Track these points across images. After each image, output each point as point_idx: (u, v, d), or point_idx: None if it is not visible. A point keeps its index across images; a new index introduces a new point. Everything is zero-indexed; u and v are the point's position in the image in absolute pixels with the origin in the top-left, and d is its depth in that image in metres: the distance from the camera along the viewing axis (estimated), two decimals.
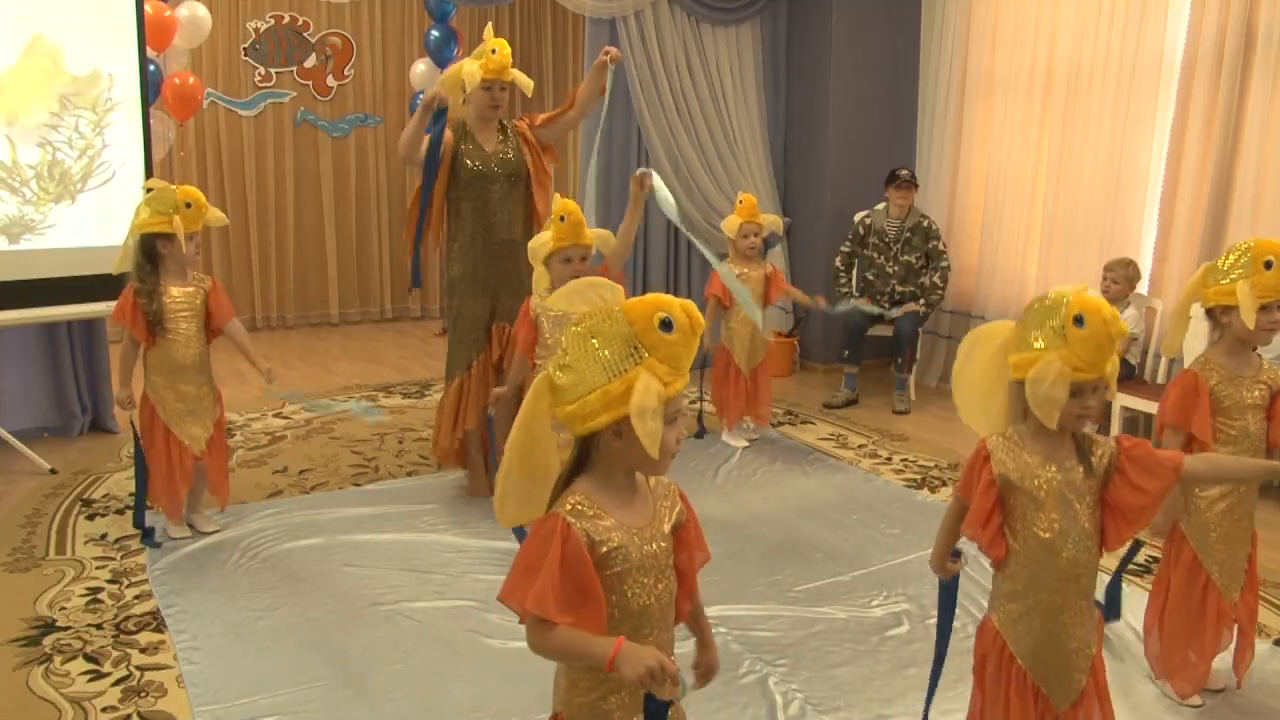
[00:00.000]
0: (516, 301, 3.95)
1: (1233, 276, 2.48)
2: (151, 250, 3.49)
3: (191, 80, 6.47)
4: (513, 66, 3.89)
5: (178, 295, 3.54)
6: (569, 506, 1.51)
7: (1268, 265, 2.43)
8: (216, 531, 3.74)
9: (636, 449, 1.44)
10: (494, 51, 3.80)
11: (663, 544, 1.58)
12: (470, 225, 3.97)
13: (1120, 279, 4.86)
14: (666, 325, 1.45)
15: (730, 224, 4.85)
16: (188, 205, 3.46)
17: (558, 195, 3.55)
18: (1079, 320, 1.81)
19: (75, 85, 4.50)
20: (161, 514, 3.73)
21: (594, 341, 1.47)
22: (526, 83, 3.93)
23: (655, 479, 1.63)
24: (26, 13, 4.35)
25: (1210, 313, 2.60)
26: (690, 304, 1.51)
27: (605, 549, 1.51)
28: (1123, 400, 4.79)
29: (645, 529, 1.56)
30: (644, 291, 4.36)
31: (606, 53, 3.95)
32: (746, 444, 4.93)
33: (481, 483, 4.16)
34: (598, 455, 1.53)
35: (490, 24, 4.09)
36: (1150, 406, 4.74)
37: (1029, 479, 1.93)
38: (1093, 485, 1.94)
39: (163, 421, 3.56)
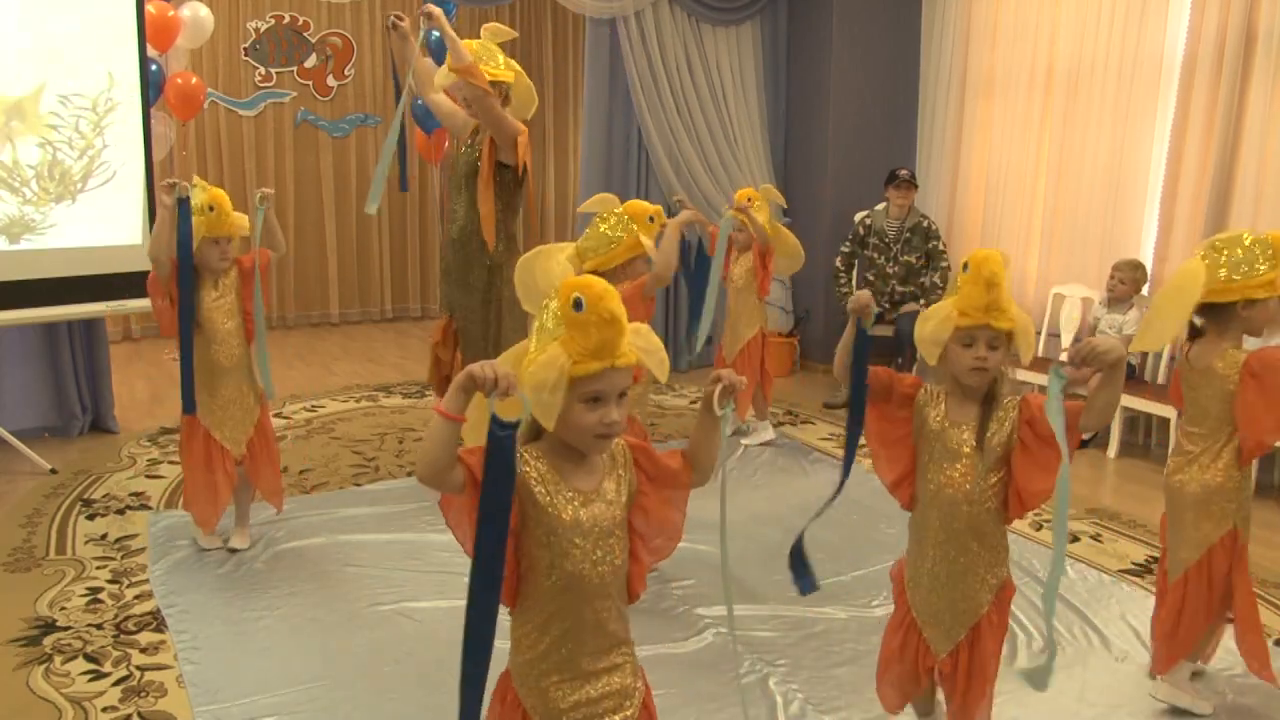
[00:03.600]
0: (459, 296, 4.04)
1: (1259, 269, 2.44)
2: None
3: (194, 80, 6.48)
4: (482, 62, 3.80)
5: (214, 295, 3.43)
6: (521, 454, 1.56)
7: None
8: (247, 549, 3.59)
9: (560, 421, 1.51)
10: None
11: (614, 512, 1.61)
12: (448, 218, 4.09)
13: (1128, 280, 4.86)
14: (577, 305, 1.50)
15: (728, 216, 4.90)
16: (210, 209, 3.30)
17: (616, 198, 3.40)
18: (966, 266, 2.01)
19: (76, 85, 4.50)
20: (193, 520, 3.59)
21: (545, 311, 1.56)
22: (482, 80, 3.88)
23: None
24: (29, 13, 4.36)
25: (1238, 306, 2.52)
26: (610, 292, 1.52)
27: (540, 503, 1.55)
28: (1123, 400, 4.79)
29: (589, 494, 1.59)
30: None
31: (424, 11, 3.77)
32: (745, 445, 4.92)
33: None
34: None
35: (493, 24, 4.05)
36: (1150, 406, 4.74)
37: (940, 432, 2.10)
38: (997, 448, 2.05)
39: (203, 425, 3.45)
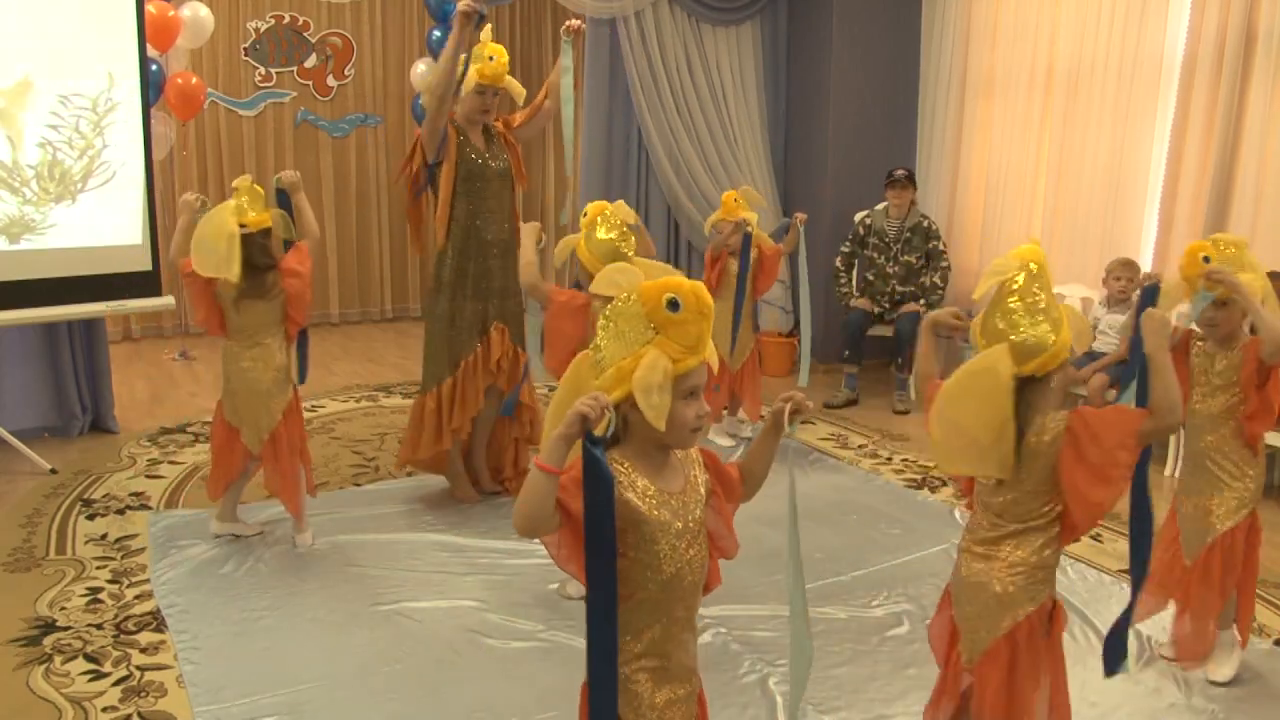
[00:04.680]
0: (508, 302, 3.97)
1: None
2: (264, 248, 3.44)
3: (194, 80, 6.48)
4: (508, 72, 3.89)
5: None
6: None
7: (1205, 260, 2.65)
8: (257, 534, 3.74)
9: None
10: (491, 58, 3.79)
11: (696, 512, 1.66)
12: (465, 225, 3.93)
13: (1135, 277, 4.86)
14: (673, 305, 1.54)
15: (709, 222, 4.92)
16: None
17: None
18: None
19: (76, 85, 4.50)
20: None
21: (615, 322, 1.58)
22: (519, 90, 3.93)
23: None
24: (28, 13, 4.36)
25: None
26: (700, 285, 1.58)
27: (637, 508, 1.58)
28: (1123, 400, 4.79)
29: (678, 495, 1.63)
30: None
31: (568, 27, 3.88)
32: (732, 442, 4.91)
33: (466, 488, 4.13)
34: (631, 428, 1.60)
35: (489, 26, 4.07)
36: None
37: None
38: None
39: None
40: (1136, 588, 2.09)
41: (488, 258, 3.97)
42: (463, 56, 3.70)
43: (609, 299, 1.63)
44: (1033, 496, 1.97)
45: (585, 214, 3.29)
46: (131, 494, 4.18)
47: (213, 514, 3.73)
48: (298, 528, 3.66)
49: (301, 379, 3.70)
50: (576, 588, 3.32)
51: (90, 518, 3.93)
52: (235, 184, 3.46)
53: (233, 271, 3.30)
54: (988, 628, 2.01)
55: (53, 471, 4.42)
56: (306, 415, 5.37)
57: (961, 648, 2.06)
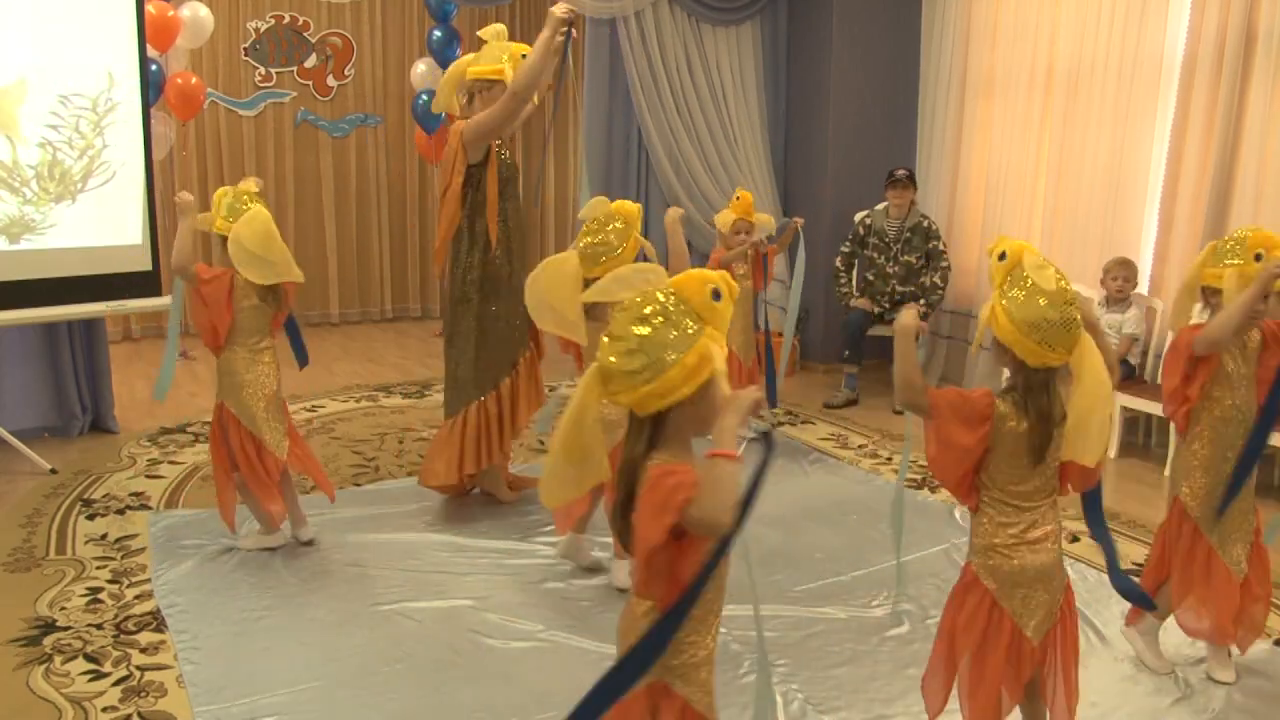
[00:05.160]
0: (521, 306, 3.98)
1: (1228, 262, 2.57)
2: None
3: (194, 80, 6.48)
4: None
5: None
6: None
7: (1258, 258, 2.50)
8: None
9: (710, 411, 1.58)
10: (524, 56, 3.74)
11: None
12: (509, 225, 3.89)
13: (1131, 276, 4.86)
14: (717, 295, 1.59)
15: (723, 219, 4.85)
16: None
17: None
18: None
19: (76, 85, 4.50)
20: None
21: (662, 320, 1.57)
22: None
23: None
24: (28, 13, 4.36)
25: (1203, 290, 2.68)
26: (724, 272, 1.64)
27: None
28: (1123, 400, 4.79)
29: None
30: None
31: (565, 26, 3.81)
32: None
33: (505, 490, 4.10)
34: (670, 428, 1.61)
35: (502, 25, 4.03)
36: (1150, 406, 4.74)
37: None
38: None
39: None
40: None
41: (523, 255, 3.99)
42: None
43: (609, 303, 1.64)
44: (1055, 472, 2.09)
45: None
46: (131, 494, 4.18)
47: (253, 531, 3.64)
48: (297, 523, 3.66)
49: (304, 362, 3.84)
50: (624, 577, 3.25)
51: (90, 518, 3.93)
52: (253, 188, 3.41)
53: (298, 272, 3.42)
54: (1054, 601, 2.12)
55: (53, 471, 4.42)
56: (306, 415, 5.41)
57: (1032, 634, 2.11)
